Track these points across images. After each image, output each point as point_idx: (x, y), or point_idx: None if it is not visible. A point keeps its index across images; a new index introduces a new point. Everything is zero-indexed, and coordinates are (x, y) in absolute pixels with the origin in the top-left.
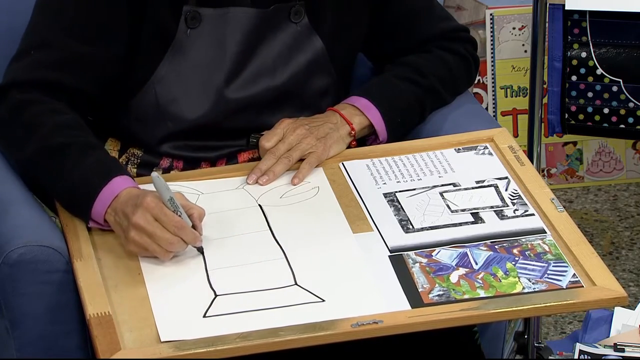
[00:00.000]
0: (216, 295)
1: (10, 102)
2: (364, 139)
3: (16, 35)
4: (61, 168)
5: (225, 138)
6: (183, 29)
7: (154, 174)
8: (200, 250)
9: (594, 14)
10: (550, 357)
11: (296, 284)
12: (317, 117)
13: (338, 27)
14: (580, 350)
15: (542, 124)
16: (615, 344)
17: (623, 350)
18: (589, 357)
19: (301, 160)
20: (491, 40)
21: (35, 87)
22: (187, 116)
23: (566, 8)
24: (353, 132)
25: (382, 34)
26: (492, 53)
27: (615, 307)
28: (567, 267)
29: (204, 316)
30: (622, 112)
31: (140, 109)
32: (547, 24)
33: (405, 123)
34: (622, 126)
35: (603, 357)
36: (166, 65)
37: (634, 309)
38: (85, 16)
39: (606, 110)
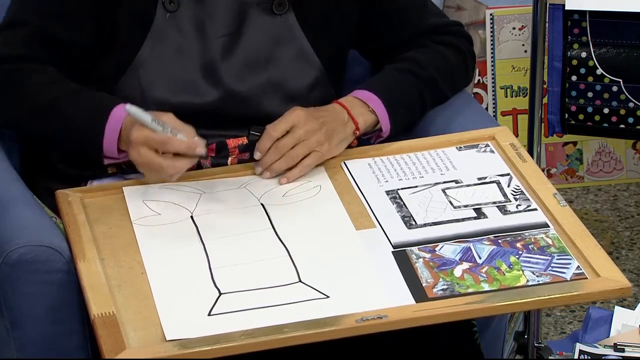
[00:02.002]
0: (220, 294)
1: None
2: (365, 135)
3: None
4: (59, 123)
5: (212, 126)
6: (162, 13)
7: (127, 105)
8: (205, 157)
9: (594, 14)
10: (550, 357)
11: (300, 281)
12: (327, 110)
13: (324, 21)
14: (580, 350)
15: (542, 124)
16: (615, 344)
17: (623, 350)
18: (589, 357)
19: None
20: (491, 40)
21: (6, 61)
22: (170, 101)
23: (566, 8)
24: (357, 132)
25: (374, 29)
26: (492, 53)
27: (615, 307)
28: (570, 259)
29: (209, 314)
30: (622, 112)
31: (125, 94)
32: (547, 24)
33: (408, 115)
34: (622, 126)
35: (603, 357)
36: (147, 49)
37: (634, 309)
38: None
39: (606, 110)
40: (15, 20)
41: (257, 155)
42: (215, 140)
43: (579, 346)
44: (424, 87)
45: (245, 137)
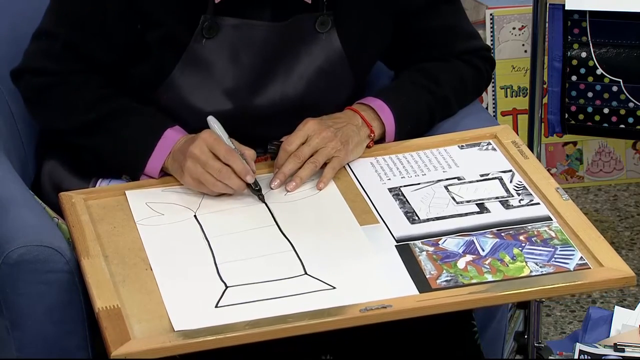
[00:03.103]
0: (227, 287)
1: (29, 85)
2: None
3: (18, 36)
4: (107, 142)
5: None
6: (199, 38)
7: (210, 117)
8: (255, 191)
9: (594, 14)
10: (550, 357)
11: (306, 273)
12: (339, 117)
13: (362, 38)
14: (580, 350)
15: (542, 124)
16: (615, 344)
17: (623, 350)
18: (589, 357)
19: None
20: (491, 40)
21: (46, 73)
22: (199, 122)
23: (566, 8)
24: (372, 135)
25: (406, 46)
26: (492, 53)
27: (615, 307)
28: (574, 251)
29: (216, 306)
30: (622, 112)
31: (160, 104)
32: (547, 24)
33: (414, 130)
34: (622, 126)
35: (603, 357)
36: (179, 73)
37: (634, 309)
38: (84, 11)
39: (606, 110)
40: (47, 31)
41: (274, 184)
42: None
43: (579, 346)
44: (436, 105)
45: (268, 156)
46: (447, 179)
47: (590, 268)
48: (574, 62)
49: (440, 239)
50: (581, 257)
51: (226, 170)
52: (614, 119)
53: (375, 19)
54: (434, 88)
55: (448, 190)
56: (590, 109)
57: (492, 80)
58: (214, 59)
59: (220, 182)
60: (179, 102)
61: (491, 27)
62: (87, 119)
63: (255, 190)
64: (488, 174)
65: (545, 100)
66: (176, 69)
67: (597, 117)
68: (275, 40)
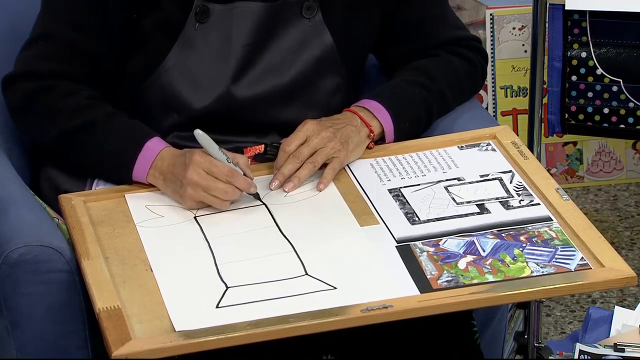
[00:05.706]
0: (227, 287)
1: (22, 91)
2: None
3: (17, 35)
4: (91, 146)
5: (231, 133)
6: (192, 23)
7: (197, 130)
8: (257, 197)
9: (594, 14)
10: (550, 357)
11: (307, 274)
12: (338, 118)
13: (350, 25)
14: (580, 350)
15: (542, 124)
16: (615, 344)
17: (623, 350)
18: (589, 357)
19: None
20: (491, 40)
21: (41, 76)
22: (192, 109)
23: (566, 8)
24: (372, 135)
25: (394, 37)
26: (492, 53)
27: (615, 307)
28: (574, 251)
29: (217, 307)
30: (622, 112)
31: (147, 98)
32: (547, 24)
33: (413, 128)
34: (622, 126)
35: (603, 357)
36: (173, 57)
37: (634, 309)
38: (80, 6)
39: (606, 110)
40: (45, 34)
41: (273, 185)
42: (232, 146)
43: (579, 346)
44: (432, 100)
45: (262, 146)
46: (447, 180)
47: (591, 268)
48: (574, 62)
49: (441, 239)
50: (582, 258)
51: (232, 189)
52: (614, 119)
53: (361, 7)
54: (428, 83)
55: (448, 191)
56: (590, 109)
57: (492, 80)
58: (206, 43)
59: (228, 200)
60: (169, 90)
61: (491, 27)
62: (70, 127)
63: (253, 194)
64: (488, 175)
65: (545, 100)
66: (170, 54)
67: (597, 117)
68: (265, 23)
